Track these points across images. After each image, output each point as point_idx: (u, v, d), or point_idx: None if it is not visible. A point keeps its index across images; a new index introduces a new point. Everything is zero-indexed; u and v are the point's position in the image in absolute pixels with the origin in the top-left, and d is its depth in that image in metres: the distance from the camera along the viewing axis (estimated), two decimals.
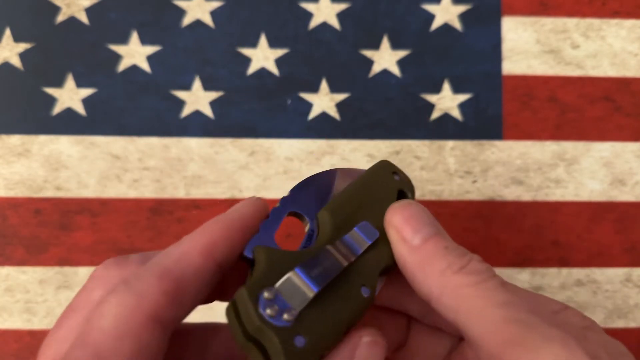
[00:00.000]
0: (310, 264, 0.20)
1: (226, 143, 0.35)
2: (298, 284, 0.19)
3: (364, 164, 0.35)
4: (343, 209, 0.22)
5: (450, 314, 0.20)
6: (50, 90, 0.35)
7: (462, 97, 0.35)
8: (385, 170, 0.23)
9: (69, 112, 0.35)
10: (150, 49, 0.35)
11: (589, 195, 0.35)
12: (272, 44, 0.35)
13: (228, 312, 0.19)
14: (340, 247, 0.21)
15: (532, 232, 0.35)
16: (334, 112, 0.35)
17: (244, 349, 0.19)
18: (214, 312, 0.33)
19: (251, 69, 0.35)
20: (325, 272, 0.20)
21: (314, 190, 0.23)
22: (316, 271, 0.20)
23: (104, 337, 0.17)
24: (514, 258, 0.34)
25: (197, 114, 0.35)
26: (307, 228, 0.22)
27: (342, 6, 0.36)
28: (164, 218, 0.34)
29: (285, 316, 0.18)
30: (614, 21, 0.36)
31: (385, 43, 0.36)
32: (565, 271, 0.35)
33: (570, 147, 0.35)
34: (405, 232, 0.21)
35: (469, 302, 0.19)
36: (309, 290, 0.19)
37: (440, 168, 0.35)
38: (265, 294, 0.19)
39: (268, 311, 0.18)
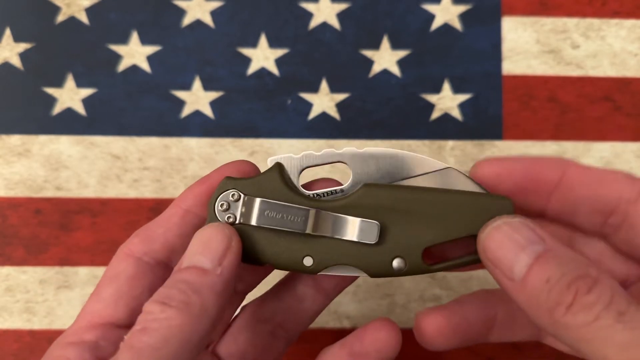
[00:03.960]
0: (274, 206, 0.21)
1: (226, 143, 0.35)
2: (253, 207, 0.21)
3: None
4: (386, 198, 0.22)
5: (573, 349, 0.19)
6: (50, 90, 0.35)
7: (462, 97, 0.35)
8: (493, 211, 0.21)
9: (69, 112, 0.35)
10: (150, 49, 0.35)
11: None
12: (272, 44, 0.35)
13: None
14: (324, 218, 0.21)
15: None
16: (334, 112, 0.35)
17: None
18: None
19: (251, 69, 0.35)
20: (275, 222, 0.21)
21: (393, 163, 0.23)
22: (272, 214, 0.21)
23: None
24: None
25: (197, 114, 0.35)
26: (344, 185, 0.23)
27: (342, 6, 0.36)
28: None
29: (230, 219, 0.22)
30: (614, 21, 0.36)
31: (385, 43, 0.36)
32: None
33: (570, 147, 0.35)
34: (502, 266, 0.19)
35: (587, 346, 0.18)
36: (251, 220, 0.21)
37: None
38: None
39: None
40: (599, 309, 0.17)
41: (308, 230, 0.21)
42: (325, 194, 0.22)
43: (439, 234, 0.21)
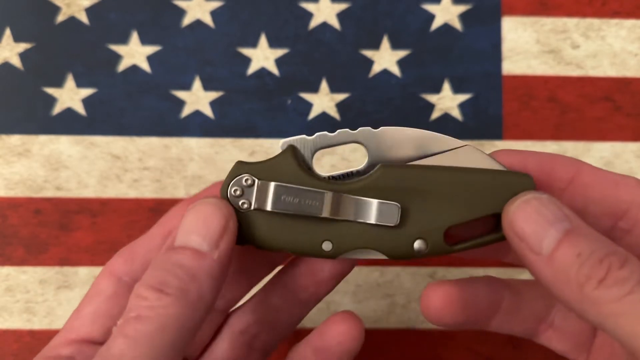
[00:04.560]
0: (290, 190, 0.20)
1: (226, 143, 0.35)
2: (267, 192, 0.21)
3: None
4: (405, 179, 0.21)
5: (596, 326, 0.18)
6: (50, 90, 0.35)
7: (462, 97, 0.35)
8: (515, 188, 0.21)
9: (69, 112, 0.35)
10: (150, 49, 0.35)
11: None
12: (272, 44, 0.35)
13: None
14: (342, 201, 0.21)
15: None
16: (334, 112, 0.35)
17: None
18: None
19: (251, 69, 0.35)
20: (292, 206, 0.20)
21: (410, 142, 0.22)
22: (288, 198, 0.20)
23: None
24: (516, 257, 0.34)
25: (197, 114, 0.35)
26: (360, 166, 0.22)
27: (342, 6, 0.36)
28: None
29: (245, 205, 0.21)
30: (614, 21, 0.36)
31: (385, 43, 0.36)
32: None
33: (570, 147, 0.35)
34: (530, 240, 0.19)
35: (615, 320, 0.17)
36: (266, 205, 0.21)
37: None
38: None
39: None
40: (632, 283, 0.17)
41: (326, 214, 0.20)
42: (341, 176, 0.22)
43: (460, 214, 0.21)
